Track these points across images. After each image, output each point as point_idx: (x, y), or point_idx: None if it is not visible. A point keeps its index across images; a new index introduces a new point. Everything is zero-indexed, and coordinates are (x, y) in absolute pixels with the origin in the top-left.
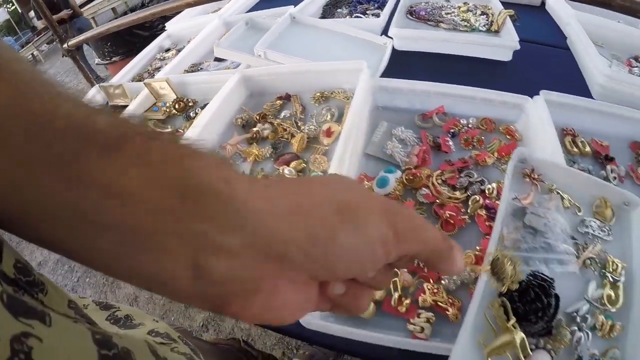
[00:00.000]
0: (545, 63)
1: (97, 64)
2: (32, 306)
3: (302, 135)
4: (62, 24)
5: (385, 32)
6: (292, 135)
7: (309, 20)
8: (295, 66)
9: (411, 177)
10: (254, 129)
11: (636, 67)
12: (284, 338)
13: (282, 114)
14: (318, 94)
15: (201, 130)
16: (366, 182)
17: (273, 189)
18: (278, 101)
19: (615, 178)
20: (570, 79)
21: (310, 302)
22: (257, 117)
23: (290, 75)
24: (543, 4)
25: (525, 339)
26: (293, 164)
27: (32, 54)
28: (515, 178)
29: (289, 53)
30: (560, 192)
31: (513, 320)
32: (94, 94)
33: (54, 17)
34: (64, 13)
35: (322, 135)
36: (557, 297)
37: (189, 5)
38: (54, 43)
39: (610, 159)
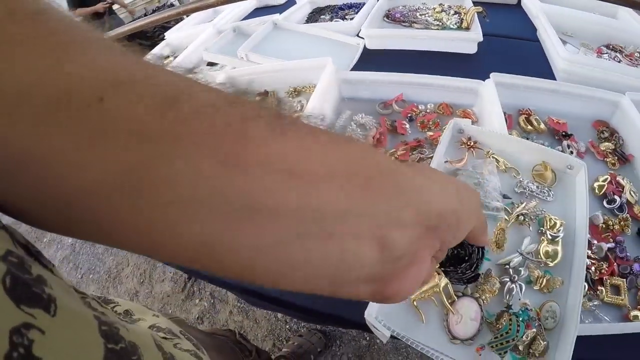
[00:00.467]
0: (514, 55)
1: None
2: (36, 292)
3: None
4: (99, 17)
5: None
6: None
7: (289, 26)
8: (271, 65)
9: None
10: None
11: (606, 54)
12: (274, 330)
13: None
14: (291, 89)
15: None
16: None
17: (427, 170)
18: (258, 97)
19: (572, 153)
20: (537, 68)
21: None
22: None
23: (268, 74)
24: (519, 2)
25: (450, 284)
26: None
27: None
28: (451, 146)
29: (268, 55)
30: (497, 157)
31: (436, 266)
32: None
33: (89, 9)
34: (101, 5)
35: None
36: (482, 246)
37: (180, 14)
38: None
39: (568, 136)
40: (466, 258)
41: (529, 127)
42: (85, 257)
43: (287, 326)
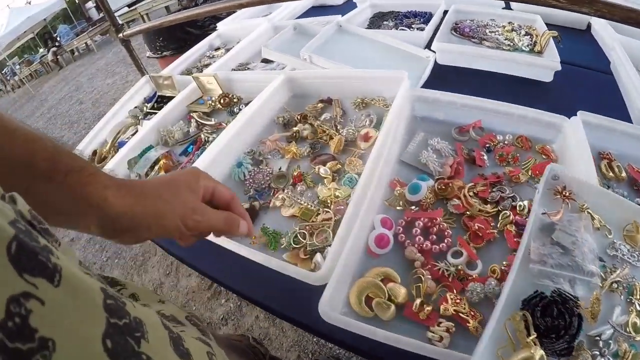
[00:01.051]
0: (587, 86)
1: (148, 57)
2: (42, 260)
3: (340, 138)
4: None
5: (428, 46)
6: (331, 137)
7: (354, 29)
8: (339, 71)
9: (443, 187)
10: (294, 129)
11: None
12: (301, 341)
13: (323, 117)
14: (359, 100)
15: (243, 125)
16: (399, 188)
17: (132, 189)
18: (320, 104)
19: None
20: (611, 103)
21: None
22: (299, 118)
23: (333, 80)
24: (589, 27)
25: (545, 357)
26: (329, 164)
27: (86, 43)
28: (546, 194)
29: (333, 59)
30: (592, 212)
31: (533, 335)
32: (143, 83)
33: None
34: None
35: (359, 139)
36: (580, 317)
37: (242, 5)
38: (107, 35)
39: None
40: (563, 329)
41: (610, 173)
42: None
43: (315, 339)
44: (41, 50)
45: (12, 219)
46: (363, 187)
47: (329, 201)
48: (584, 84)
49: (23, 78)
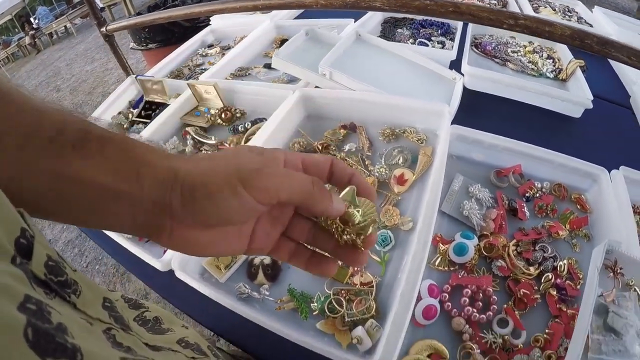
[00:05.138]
0: (610, 123)
1: (131, 48)
2: (60, 342)
3: (373, 180)
4: None
5: (452, 65)
6: None
7: (373, 40)
8: (366, 95)
9: (488, 246)
10: None
11: None
12: None
13: (347, 147)
14: (388, 130)
15: None
16: (442, 245)
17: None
18: (342, 130)
19: None
20: (634, 145)
21: None
22: (319, 147)
23: (357, 103)
24: None
25: None
26: None
27: (65, 26)
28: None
29: (353, 74)
30: (638, 290)
31: None
32: (129, 85)
33: None
34: None
35: (393, 182)
36: None
37: (235, 9)
38: (87, 19)
39: None
40: None
41: None
42: (92, 245)
43: None
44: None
45: (23, 299)
46: (414, 251)
47: None
48: (607, 119)
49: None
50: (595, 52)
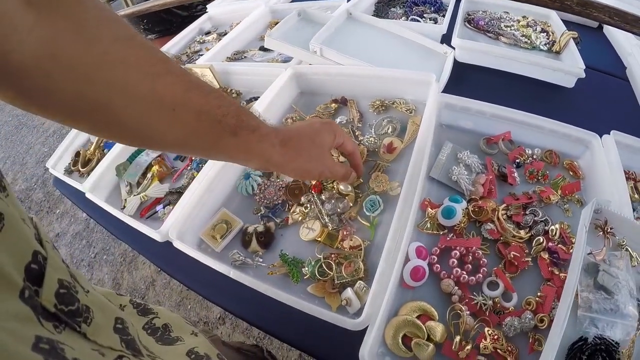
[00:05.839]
0: (604, 93)
1: None
2: None
3: (363, 149)
4: None
5: (443, 40)
6: None
7: (365, 18)
8: (355, 69)
9: (477, 210)
10: None
11: None
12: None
13: (338, 120)
14: (378, 102)
15: None
16: (430, 209)
17: (290, 145)
18: (333, 104)
19: None
20: (626, 111)
21: None
22: None
23: (348, 78)
24: (600, 26)
25: None
26: None
27: None
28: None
29: (344, 51)
30: (630, 249)
31: None
32: None
33: None
34: None
35: (382, 150)
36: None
37: None
38: None
39: None
40: None
41: (636, 195)
42: (100, 236)
43: None
44: None
45: (35, 340)
46: (399, 213)
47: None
48: (601, 90)
49: None
50: (576, 14)
